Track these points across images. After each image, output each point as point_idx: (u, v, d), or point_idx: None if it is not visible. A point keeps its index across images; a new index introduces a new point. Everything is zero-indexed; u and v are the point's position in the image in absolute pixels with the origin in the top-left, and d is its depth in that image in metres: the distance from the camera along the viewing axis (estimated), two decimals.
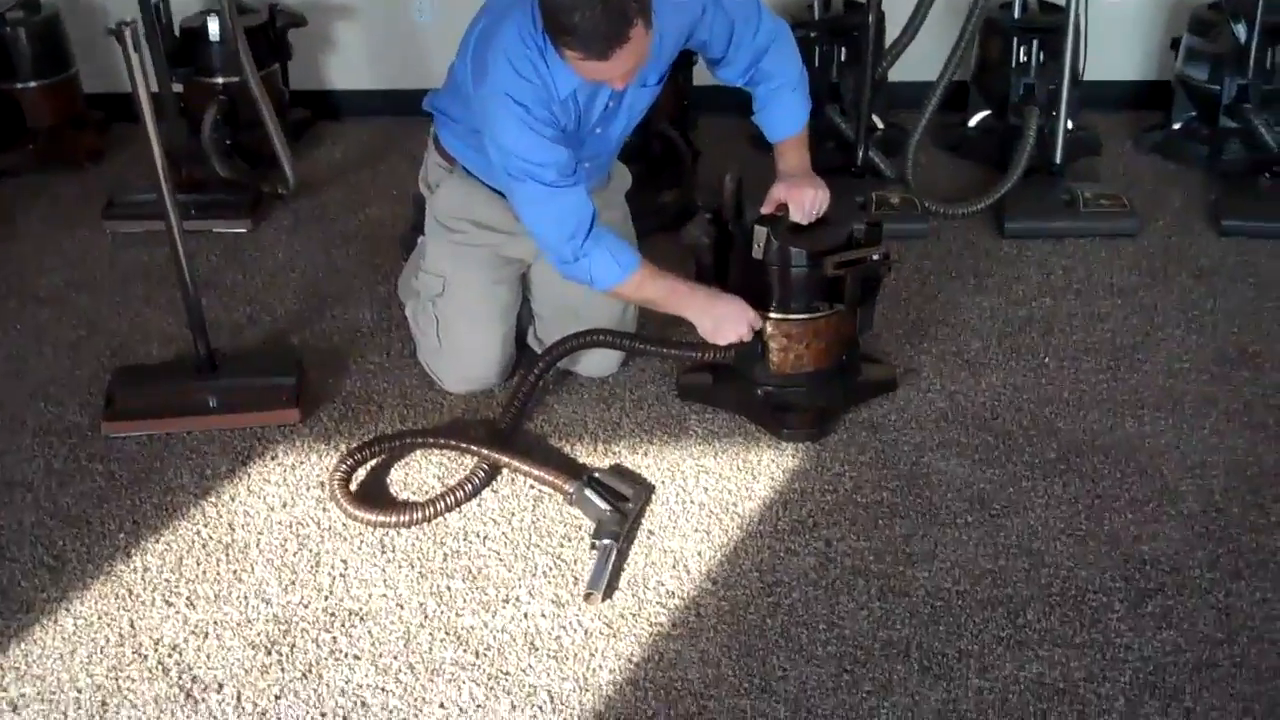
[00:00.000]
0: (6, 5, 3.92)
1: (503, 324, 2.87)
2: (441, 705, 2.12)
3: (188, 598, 2.34)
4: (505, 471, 2.61)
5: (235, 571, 2.40)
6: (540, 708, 2.11)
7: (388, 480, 2.64)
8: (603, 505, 2.45)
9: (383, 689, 2.15)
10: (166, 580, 2.39)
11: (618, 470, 2.64)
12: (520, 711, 2.10)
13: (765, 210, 2.71)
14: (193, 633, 2.27)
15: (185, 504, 2.57)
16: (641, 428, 2.78)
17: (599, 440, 2.74)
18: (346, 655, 2.21)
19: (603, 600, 2.31)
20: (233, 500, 2.58)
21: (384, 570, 2.40)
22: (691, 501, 2.56)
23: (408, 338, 3.06)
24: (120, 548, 2.47)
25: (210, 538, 2.49)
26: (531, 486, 2.59)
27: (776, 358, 2.69)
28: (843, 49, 3.92)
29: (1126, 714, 2.07)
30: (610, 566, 2.35)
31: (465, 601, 2.32)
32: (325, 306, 3.28)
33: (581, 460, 2.69)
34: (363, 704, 2.12)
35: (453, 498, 2.51)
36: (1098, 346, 3.03)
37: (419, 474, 2.65)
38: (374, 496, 2.58)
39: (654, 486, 2.60)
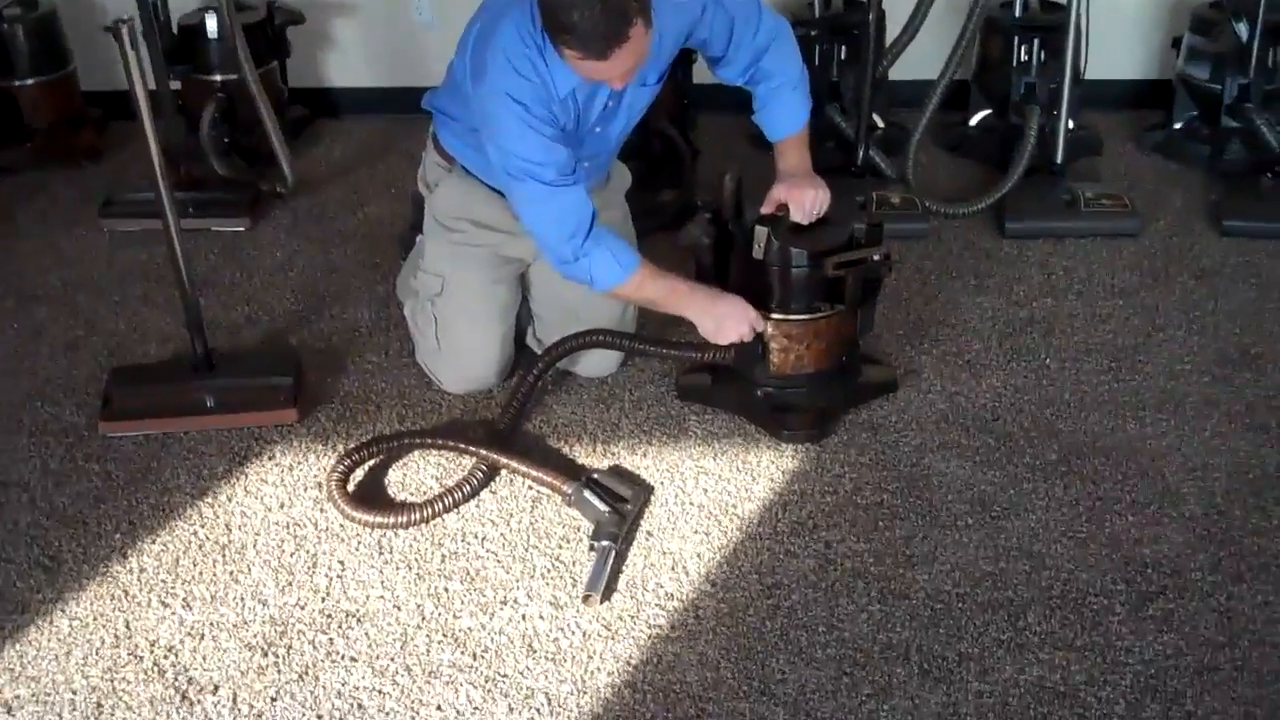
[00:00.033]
0: (4, 2, 3.91)
1: (501, 324, 2.86)
2: (439, 708, 2.11)
3: (184, 599, 2.33)
4: (504, 472, 2.60)
5: (232, 572, 2.39)
6: (538, 710, 2.10)
7: (385, 481, 2.63)
8: (601, 506, 2.44)
9: (380, 691, 2.14)
10: (163, 581, 2.38)
11: (616, 471, 2.63)
12: (518, 714, 2.09)
13: (765, 210, 2.70)
14: (189, 634, 2.26)
15: (182, 504, 2.56)
16: (640, 429, 2.77)
17: (598, 441, 2.73)
18: (343, 657, 2.20)
19: (601, 602, 2.30)
20: (230, 501, 2.57)
21: (381, 572, 2.39)
22: (690, 503, 2.55)
23: (406, 337, 3.05)
24: (116, 548, 2.46)
25: (207, 538, 2.48)
26: (530, 487, 2.58)
27: (777, 358, 2.68)
28: (843, 47, 3.91)
29: (1127, 717, 2.06)
30: (609, 568, 2.34)
31: (463, 603, 2.31)
32: (323, 306, 3.27)
33: (580, 461, 2.68)
34: (359, 706, 2.11)
35: (451, 499, 2.50)
36: (1099, 347, 3.02)
37: (417, 475, 2.64)
38: (372, 497, 2.57)
39: (653, 488, 2.59)
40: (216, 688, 2.15)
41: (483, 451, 2.58)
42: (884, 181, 3.72)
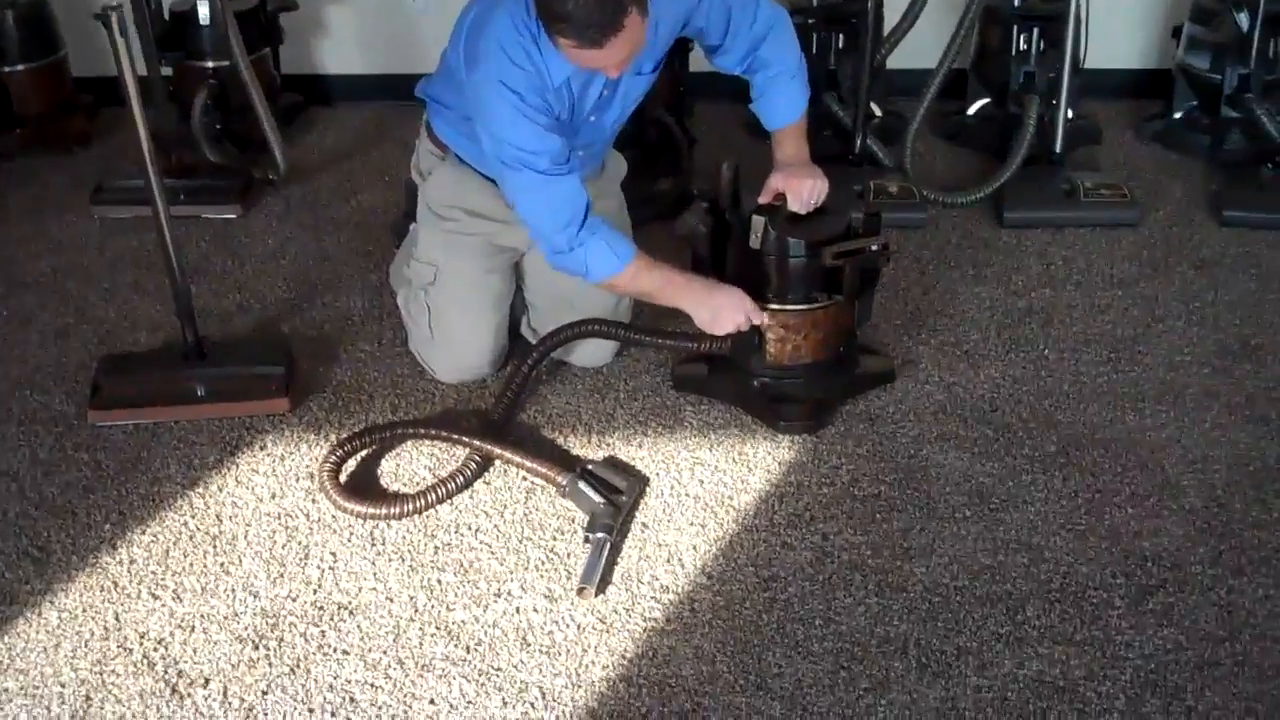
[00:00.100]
0: None
1: (495, 313, 2.84)
2: (431, 701, 2.09)
3: (174, 590, 2.31)
4: (497, 463, 2.58)
5: (223, 564, 2.37)
6: (532, 704, 2.08)
7: (378, 471, 2.61)
8: (596, 498, 2.42)
9: (372, 684, 2.12)
10: (153, 572, 2.35)
11: (612, 462, 2.61)
12: (511, 708, 2.07)
13: (763, 199, 2.68)
14: (179, 626, 2.23)
15: (172, 495, 2.54)
16: (636, 419, 2.75)
17: (593, 432, 2.71)
18: (335, 650, 2.18)
19: (596, 595, 2.28)
20: (220, 491, 2.55)
21: (374, 563, 2.37)
22: (686, 494, 2.53)
23: (399, 326, 3.02)
24: (106, 539, 2.43)
25: (197, 529, 2.46)
26: (524, 478, 2.56)
27: (774, 349, 2.66)
28: (841, 36, 3.88)
29: (1127, 713, 2.04)
30: (604, 560, 2.32)
31: (456, 595, 2.29)
32: (316, 294, 3.24)
33: (575, 452, 2.66)
34: (351, 700, 2.09)
35: (444, 489, 2.48)
36: (1098, 338, 3.01)
37: (410, 465, 2.62)
38: (364, 488, 2.55)
39: (648, 479, 2.57)
40: (207, 681, 2.13)
41: (476, 442, 2.56)
42: (882, 170, 3.71)
